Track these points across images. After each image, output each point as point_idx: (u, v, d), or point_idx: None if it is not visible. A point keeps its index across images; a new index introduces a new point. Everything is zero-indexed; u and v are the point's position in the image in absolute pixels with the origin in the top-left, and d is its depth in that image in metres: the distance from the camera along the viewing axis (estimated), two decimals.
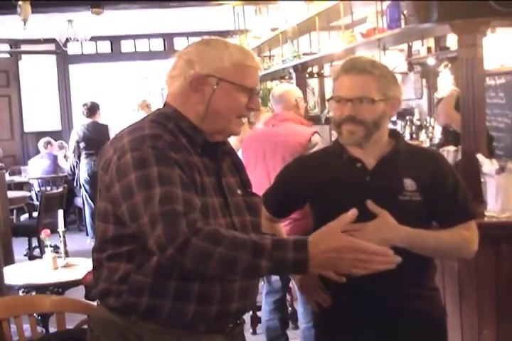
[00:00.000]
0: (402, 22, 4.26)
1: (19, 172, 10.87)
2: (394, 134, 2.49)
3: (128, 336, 1.95)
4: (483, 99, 3.98)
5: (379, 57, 5.28)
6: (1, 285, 4.25)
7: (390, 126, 2.76)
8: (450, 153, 4.70)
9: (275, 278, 4.35)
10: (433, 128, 8.07)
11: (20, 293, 4.56)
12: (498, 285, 3.57)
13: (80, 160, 9.22)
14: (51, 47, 11.82)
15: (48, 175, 9.73)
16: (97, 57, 12.69)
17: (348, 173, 2.41)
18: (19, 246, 7.62)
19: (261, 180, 3.83)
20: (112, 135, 8.90)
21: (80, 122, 9.67)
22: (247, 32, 8.49)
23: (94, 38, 11.05)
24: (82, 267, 4.74)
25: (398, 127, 8.59)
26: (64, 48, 10.95)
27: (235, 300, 1.98)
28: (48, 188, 9.27)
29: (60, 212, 5.16)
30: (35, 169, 9.87)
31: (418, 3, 3.93)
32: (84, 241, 8.92)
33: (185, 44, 10.63)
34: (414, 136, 8.60)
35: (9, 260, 5.64)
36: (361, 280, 2.32)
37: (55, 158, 9.98)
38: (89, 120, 9.27)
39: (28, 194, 9.29)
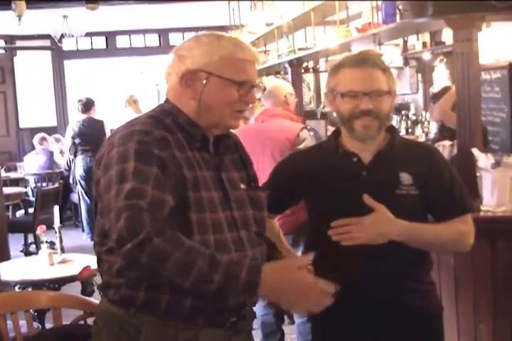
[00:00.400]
0: (398, 17, 4.26)
1: (15, 169, 10.84)
2: (389, 129, 2.49)
3: (127, 328, 1.97)
4: (479, 93, 3.98)
5: None
6: None
7: None
8: (446, 148, 4.70)
9: None
10: (429, 123, 8.08)
11: (17, 289, 4.55)
12: (494, 280, 3.57)
13: (75, 157, 9.20)
14: (46, 43, 11.78)
15: (44, 171, 9.71)
16: (92, 53, 12.65)
17: (345, 168, 2.41)
18: (15, 243, 7.60)
19: None
20: (107, 131, 8.91)
21: (76, 118, 9.65)
22: (242, 27, 8.48)
23: (89, 34, 11.00)
24: (78, 263, 4.73)
25: (394, 122, 8.59)
26: (59, 44, 10.92)
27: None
28: (44, 184, 9.24)
29: (56, 208, 5.15)
30: (31, 165, 9.85)
31: None
32: (81, 237, 8.91)
33: (180, 39, 10.65)
34: (409, 130, 8.62)
35: (5, 256, 5.63)
36: (358, 275, 2.34)
37: (51, 154, 9.95)
38: (84, 116, 9.25)
39: (23, 190, 9.26)
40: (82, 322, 2.94)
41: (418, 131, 8.42)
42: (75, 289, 4.56)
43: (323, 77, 9.45)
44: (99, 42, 12.65)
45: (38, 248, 6.82)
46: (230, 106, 2.04)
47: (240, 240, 2.02)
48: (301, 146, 4.26)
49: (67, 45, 11.91)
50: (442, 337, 2.51)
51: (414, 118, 8.72)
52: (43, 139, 10.06)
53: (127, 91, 9.46)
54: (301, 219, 4.22)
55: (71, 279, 4.63)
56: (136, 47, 12.77)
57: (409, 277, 2.39)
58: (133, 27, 12.01)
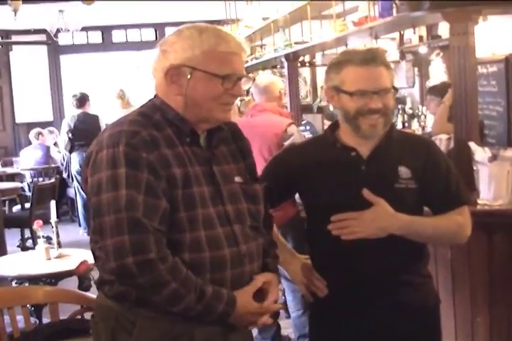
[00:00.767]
0: (394, 10, 4.25)
1: (11, 164, 10.84)
2: None
3: (122, 321, 1.98)
4: (475, 87, 3.98)
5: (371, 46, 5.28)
6: None
7: None
8: (443, 142, 4.70)
9: None
10: (425, 116, 8.08)
11: (13, 284, 4.55)
12: (491, 273, 3.58)
13: (71, 152, 9.17)
14: (42, 37, 11.77)
15: (40, 166, 9.70)
16: (88, 48, 12.64)
17: (343, 162, 2.39)
18: (12, 238, 7.61)
19: None
20: (102, 125, 8.89)
21: (71, 113, 9.62)
22: (238, 21, 8.47)
23: (85, 28, 10.99)
24: (75, 258, 4.73)
25: None
26: (55, 39, 10.91)
27: (227, 289, 1.97)
28: (40, 179, 9.22)
29: (53, 203, 5.14)
30: (27, 160, 9.83)
31: None
32: (77, 232, 8.91)
33: None
34: (406, 124, 8.61)
35: (2, 251, 5.65)
36: (355, 268, 2.34)
37: (47, 148, 9.94)
38: (79, 111, 9.22)
39: (20, 185, 9.25)
40: (79, 316, 2.94)
41: (415, 124, 8.41)
42: (72, 284, 4.55)
43: (320, 71, 9.45)
44: (95, 37, 12.64)
45: (34, 243, 6.83)
46: (215, 100, 2.00)
47: (233, 234, 2.01)
48: (288, 142, 4.28)
49: (63, 39, 11.89)
50: (439, 329, 2.52)
51: (410, 112, 8.71)
52: (39, 134, 10.05)
53: (117, 86, 9.40)
54: (289, 214, 4.24)
55: (68, 274, 4.62)
56: (132, 41, 12.76)
57: (406, 270, 2.38)
58: (129, 21, 12.00)
